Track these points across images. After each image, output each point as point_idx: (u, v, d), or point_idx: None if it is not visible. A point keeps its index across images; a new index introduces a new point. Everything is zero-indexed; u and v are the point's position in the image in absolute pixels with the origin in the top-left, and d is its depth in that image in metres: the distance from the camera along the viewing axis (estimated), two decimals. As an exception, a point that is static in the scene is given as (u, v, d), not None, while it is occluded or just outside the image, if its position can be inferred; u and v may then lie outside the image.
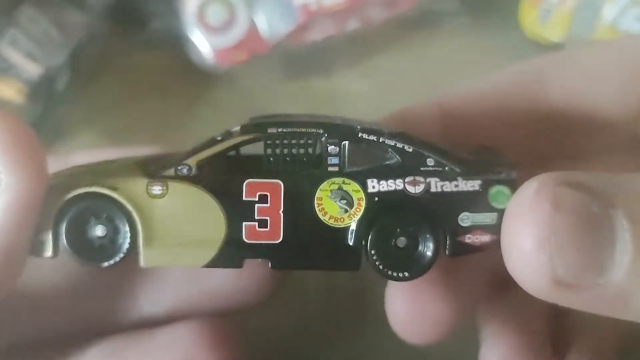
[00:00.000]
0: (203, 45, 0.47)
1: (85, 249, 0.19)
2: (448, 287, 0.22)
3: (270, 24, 0.47)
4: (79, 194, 0.18)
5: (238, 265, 0.19)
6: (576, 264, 0.16)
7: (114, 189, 0.18)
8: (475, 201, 0.19)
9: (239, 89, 0.54)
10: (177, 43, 0.48)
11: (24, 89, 0.44)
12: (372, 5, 0.49)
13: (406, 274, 0.19)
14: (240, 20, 0.47)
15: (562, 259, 0.16)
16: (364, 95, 0.53)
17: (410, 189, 0.19)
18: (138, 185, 0.18)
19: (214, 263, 0.19)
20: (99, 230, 0.19)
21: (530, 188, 0.16)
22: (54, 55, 0.45)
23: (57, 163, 0.22)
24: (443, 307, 0.22)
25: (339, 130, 0.19)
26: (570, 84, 0.23)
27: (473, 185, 0.19)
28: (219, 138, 0.20)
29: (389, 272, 0.19)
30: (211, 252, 0.19)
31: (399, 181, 0.19)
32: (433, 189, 0.19)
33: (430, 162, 0.19)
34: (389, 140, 0.19)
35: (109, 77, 0.53)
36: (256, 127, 0.19)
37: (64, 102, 0.47)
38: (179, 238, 0.19)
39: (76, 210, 0.18)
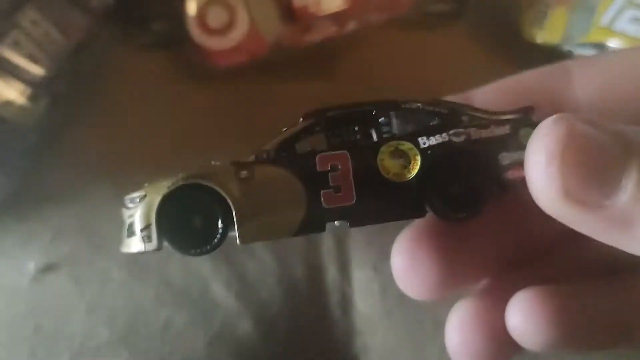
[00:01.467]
0: (203, 46, 0.47)
1: (188, 239, 0.22)
2: (448, 252, 0.23)
3: (270, 25, 0.47)
4: (176, 188, 0.21)
5: (321, 229, 0.22)
6: (584, 181, 0.17)
7: (208, 179, 0.21)
8: (509, 142, 0.22)
9: (238, 90, 0.54)
10: (178, 45, 0.48)
11: (26, 90, 0.44)
12: (371, 7, 0.49)
13: (464, 213, 0.22)
14: (240, 22, 0.47)
15: (571, 175, 0.17)
16: (363, 96, 0.53)
17: (455, 138, 0.22)
18: (227, 172, 0.22)
19: (300, 231, 0.22)
20: (198, 219, 0.21)
21: (550, 119, 0.18)
22: (55, 56, 0.45)
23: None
24: (438, 269, 0.24)
25: (385, 104, 0.23)
26: (594, 85, 0.24)
27: (505, 129, 0.22)
28: (285, 129, 0.23)
29: (451, 214, 0.22)
30: (296, 222, 0.22)
31: (444, 134, 0.22)
32: (473, 137, 0.22)
33: (465, 118, 0.23)
34: (426, 107, 0.22)
35: (110, 78, 0.54)
36: (317, 112, 0.23)
37: (65, 104, 0.47)
38: (267, 214, 0.22)
39: (175, 203, 0.21)
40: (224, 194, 0.21)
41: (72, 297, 0.40)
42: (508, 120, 0.23)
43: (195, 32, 0.46)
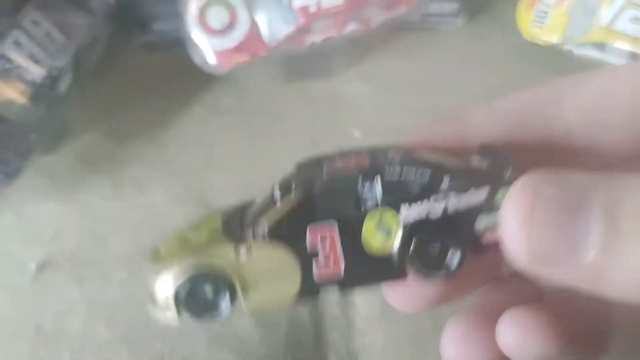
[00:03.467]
0: (204, 47, 0.47)
1: (203, 312, 0.24)
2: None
3: (270, 25, 0.47)
4: (189, 274, 0.23)
5: (315, 297, 0.24)
6: (553, 243, 0.18)
7: (211, 261, 0.23)
8: (486, 206, 0.23)
9: (239, 90, 0.54)
10: (179, 45, 0.48)
11: (27, 90, 0.44)
12: (371, 8, 0.49)
13: (443, 275, 0.23)
14: (241, 22, 0.47)
15: (541, 238, 0.18)
16: (363, 97, 0.53)
17: (433, 208, 0.23)
18: (228, 252, 0.23)
19: (297, 300, 0.24)
20: (209, 295, 0.24)
21: (518, 183, 0.19)
22: (56, 57, 0.46)
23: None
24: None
25: (370, 172, 0.23)
26: (582, 107, 0.24)
27: (482, 193, 0.23)
28: (278, 194, 0.24)
29: (429, 276, 0.23)
30: (294, 291, 0.24)
31: (424, 203, 0.23)
32: (451, 206, 0.23)
33: (445, 180, 0.23)
34: (410, 169, 0.23)
35: (111, 79, 0.54)
36: (304, 189, 0.23)
37: (66, 104, 0.47)
38: (267, 285, 0.24)
39: (188, 285, 0.23)
40: (228, 272, 0.23)
41: (72, 296, 0.40)
42: (486, 183, 0.23)
43: (196, 33, 0.47)
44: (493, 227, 0.23)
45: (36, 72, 0.44)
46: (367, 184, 0.23)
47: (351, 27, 0.49)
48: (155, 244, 0.27)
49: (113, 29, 0.51)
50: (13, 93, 0.43)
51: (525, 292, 0.26)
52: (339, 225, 0.23)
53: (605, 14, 0.46)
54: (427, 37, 0.58)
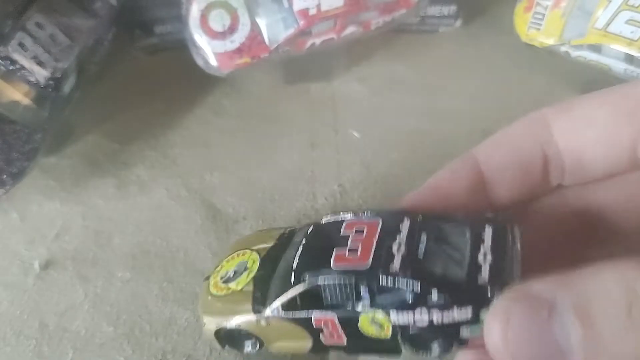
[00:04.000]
0: (206, 49, 0.47)
1: (239, 346, 0.33)
2: None
3: (270, 28, 0.48)
4: (223, 327, 0.32)
5: (326, 352, 0.32)
6: (527, 356, 0.19)
7: (239, 325, 0.31)
8: (471, 321, 0.25)
9: (240, 91, 0.55)
10: (181, 47, 0.48)
11: (31, 91, 0.44)
12: (370, 11, 0.49)
13: (430, 354, 0.27)
14: (242, 24, 0.47)
15: (521, 356, 0.19)
16: (362, 99, 0.54)
17: (418, 319, 0.26)
18: (251, 321, 0.30)
19: (311, 352, 0.30)
20: (241, 338, 0.32)
21: (495, 305, 0.20)
22: (60, 59, 0.46)
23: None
24: None
25: (368, 277, 0.26)
26: (570, 134, 0.26)
27: (467, 312, 0.25)
28: (293, 282, 0.29)
29: (420, 354, 0.27)
30: (307, 348, 0.30)
31: (410, 313, 0.26)
32: (435, 320, 0.25)
33: (434, 294, 0.25)
34: (402, 281, 0.26)
35: (114, 80, 0.54)
36: (312, 279, 0.28)
37: (70, 105, 0.47)
38: (285, 342, 0.30)
39: (224, 333, 0.32)
40: (253, 332, 0.31)
41: (76, 295, 0.40)
42: (471, 303, 0.25)
43: (198, 35, 0.47)
44: (478, 336, 0.25)
45: (40, 73, 0.45)
46: (363, 287, 0.27)
47: (351, 30, 0.49)
48: (210, 271, 0.34)
49: (116, 32, 0.52)
50: (17, 94, 0.44)
51: None
52: (338, 317, 0.28)
53: (601, 17, 0.46)
54: (426, 40, 0.58)
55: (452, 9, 0.57)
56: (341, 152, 0.48)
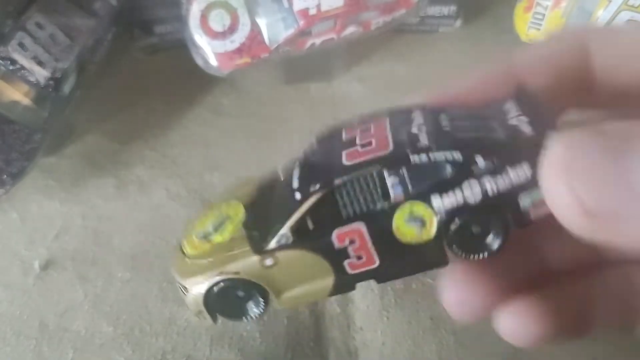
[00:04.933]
0: (206, 49, 0.47)
1: (235, 313, 0.24)
2: (492, 277, 0.24)
3: (271, 28, 0.48)
4: (215, 282, 0.24)
5: (352, 289, 0.24)
6: (594, 193, 0.16)
7: (237, 272, 0.23)
8: (529, 183, 0.20)
9: (240, 91, 0.55)
10: (181, 47, 0.48)
11: (31, 91, 0.44)
12: (370, 11, 0.49)
13: (485, 254, 0.22)
14: (242, 24, 0.47)
15: (582, 190, 0.16)
16: (362, 99, 0.53)
17: (469, 196, 0.21)
18: (254, 264, 0.23)
19: (333, 293, 0.23)
20: (239, 298, 0.24)
21: (552, 144, 0.17)
22: (60, 58, 0.46)
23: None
24: (488, 293, 0.24)
25: (393, 160, 0.21)
26: (611, 59, 0.24)
27: (524, 171, 0.20)
28: (299, 198, 0.22)
29: (471, 257, 0.22)
30: (328, 288, 0.23)
31: (457, 192, 0.21)
32: (489, 190, 0.20)
33: (479, 161, 0.20)
34: (438, 154, 0.21)
35: (114, 80, 0.54)
36: (324, 183, 0.22)
37: (70, 105, 0.47)
38: (299, 286, 0.24)
39: (217, 293, 0.24)
40: (254, 280, 0.23)
41: (76, 295, 0.40)
42: (527, 158, 0.20)
43: (198, 35, 0.47)
44: (541, 202, 0.20)
45: (40, 73, 0.45)
46: (391, 176, 0.21)
47: (351, 30, 0.49)
48: (180, 237, 0.27)
49: (116, 32, 0.52)
50: (17, 94, 0.44)
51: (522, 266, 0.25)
52: (366, 226, 0.22)
53: (601, 17, 0.46)
54: (426, 40, 0.58)
55: (452, 9, 0.57)
56: (341, 152, 0.48)
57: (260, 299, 0.24)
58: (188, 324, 0.38)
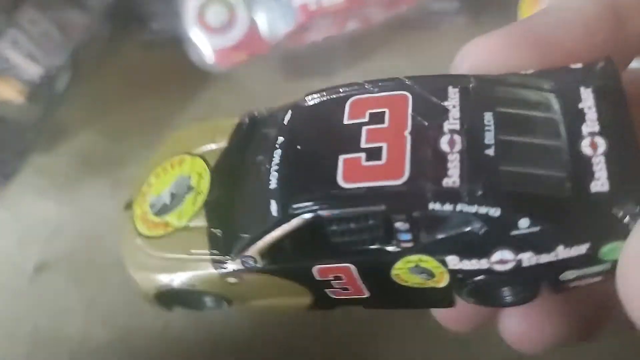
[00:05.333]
0: (203, 45, 0.47)
1: (194, 306, 0.22)
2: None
3: (270, 24, 0.47)
4: (168, 288, 0.21)
5: (332, 308, 0.21)
6: None
7: (193, 285, 0.20)
8: (581, 262, 0.16)
9: (238, 89, 0.54)
10: (177, 43, 0.48)
11: (25, 89, 0.44)
12: (372, 6, 0.49)
13: (501, 306, 0.18)
14: (240, 20, 0.47)
15: None
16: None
17: (499, 267, 0.16)
18: (213, 278, 0.19)
19: (311, 309, 0.21)
20: (197, 298, 0.22)
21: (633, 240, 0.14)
22: (54, 55, 0.45)
23: None
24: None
25: (405, 202, 0.15)
26: None
27: (579, 250, 0.15)
28: (275, 215, 0.17)
29: (487, 304, 0.18)
30: (305, 304, 0.20)
31: (484, 261, 0.16)
32: (526, 264, 0.15)
33: (523, 224, 0.15)
34: (469, 207, 0.15)
35: (109, 77, 0.54)
36: (310, 208, 0.16)
37: (64, 103, 0.47)
38: (270, 299, 0.20)
39: (169, 295, 0.21)
40: (216, 291, 0.20)
41: (70, 297, 0.40)
42: (587, 236, 0.15)
43: (195, 31, 0.46)
44: (589, 277, 0.16)
45: (34, 71, 0.44)
46: (400, 219, 0.16)
47: (352, 26, 0.49)
48: (130, 196, 0.25)
49: (111, 28, 0.51)
50: (10, 92, 0.43)
51: None
52: (357, 268, 0.17)
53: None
54: (428, 35, 0.57)
55: (454, 4, 0.57)
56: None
57: (223, 302, 0.21)
58: (185, 327, 0.38)
